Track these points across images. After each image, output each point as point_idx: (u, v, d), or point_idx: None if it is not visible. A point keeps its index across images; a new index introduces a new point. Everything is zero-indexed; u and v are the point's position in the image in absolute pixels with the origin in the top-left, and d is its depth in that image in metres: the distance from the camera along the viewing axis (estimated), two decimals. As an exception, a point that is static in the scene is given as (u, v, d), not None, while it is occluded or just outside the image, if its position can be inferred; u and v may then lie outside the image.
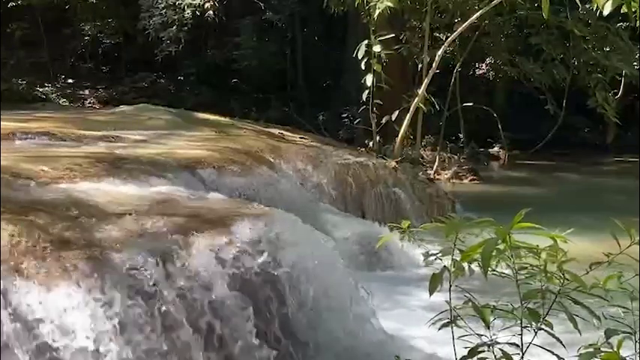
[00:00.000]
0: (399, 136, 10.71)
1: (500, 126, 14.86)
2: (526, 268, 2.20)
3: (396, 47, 12.04)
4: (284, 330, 3.70)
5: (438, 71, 11.14)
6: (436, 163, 12.97)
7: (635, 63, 13.84)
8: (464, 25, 11.21)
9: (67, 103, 16.94)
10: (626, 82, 14.46)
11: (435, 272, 2.28)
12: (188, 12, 16.06)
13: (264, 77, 17.40)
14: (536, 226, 2.15)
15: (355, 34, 13.88)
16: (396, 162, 9.35)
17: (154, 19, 16.30)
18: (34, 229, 3.35)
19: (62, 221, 3.56)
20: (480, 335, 2.29)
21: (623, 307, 2.26)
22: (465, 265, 2.19)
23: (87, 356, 2.94)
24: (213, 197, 4.74)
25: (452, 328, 2.33)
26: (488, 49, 16.01)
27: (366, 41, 9.87)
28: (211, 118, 10.46)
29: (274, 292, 3.70)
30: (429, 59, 11.32)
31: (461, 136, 15.34)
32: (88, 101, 17.61)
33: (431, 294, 2.24)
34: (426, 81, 10.72)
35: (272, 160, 7.23)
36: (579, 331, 2.18)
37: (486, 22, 13.98)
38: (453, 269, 2.22)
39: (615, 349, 2.09)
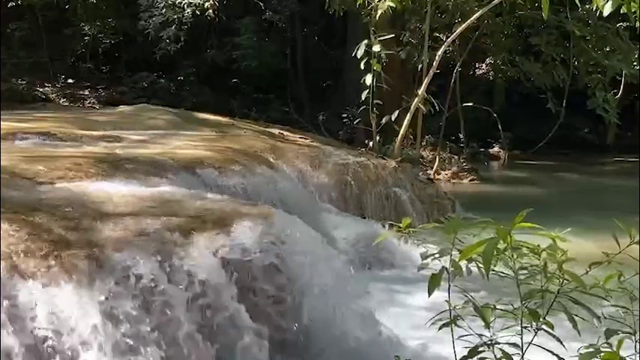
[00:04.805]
0: (399, 136, 10.72)
1: (500, 126, 14.87)
2: (526, 268, 2.21)
3: (396, 48, 12.05)
4: (284, 330, 3.70)
5: (438, 71, 11.14)
6: (436, 163, 12.97)
7: (635, 63, 13.84)
8: (464, 25, 11.23)
9: (67, 103, 16.93)
10: (626, 82, 14.46)
11: (434, 272, 2.28)
12: (188, 11, 16.05)
13: (264, 77, 17.39)
14: (537, 226, 2.15)
15: (355, 34, 13.88)
16: (396, 162, 9.35)
17: (153, 18, 16.29)
18: (34, 229, 3.35)
19: (62, 221, 3.56)
20: (480, 335, 2.29)
21: (624, 307, 2.26)
22: (464, 265, 2.19)
23: (85, 355, 2.94)
24: (213, 197, 4.74)
25: (452, 328, 2.33)
26: (488, 49, 16.02)
27: (365, 41, 9.88)
28: (211, 118, 10.47)
29: (275, 292, 3.70)
30: (428, 59, 11.32)
31: (461, 136, 15.34)
32: (88, 101, 17.59)
33: (430, 294, 2.24)
34: (426, 81, 10.73)
35: (272, 160, 7.23)
36: (578, 331, 2.18)
37: (486, 22, 13.99)
38: (451, 269, 2.22)
39: (615, 349, 2.09)
